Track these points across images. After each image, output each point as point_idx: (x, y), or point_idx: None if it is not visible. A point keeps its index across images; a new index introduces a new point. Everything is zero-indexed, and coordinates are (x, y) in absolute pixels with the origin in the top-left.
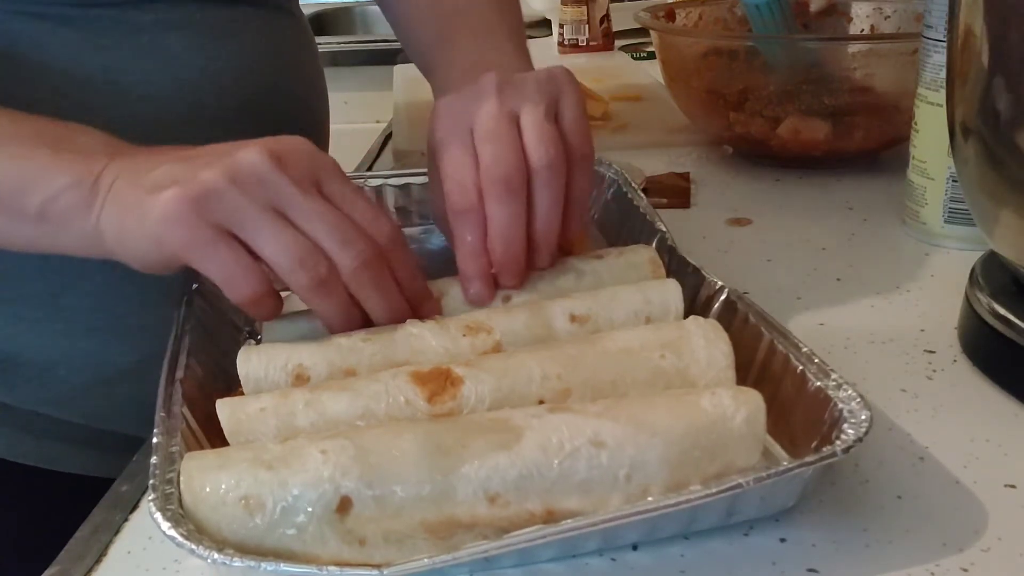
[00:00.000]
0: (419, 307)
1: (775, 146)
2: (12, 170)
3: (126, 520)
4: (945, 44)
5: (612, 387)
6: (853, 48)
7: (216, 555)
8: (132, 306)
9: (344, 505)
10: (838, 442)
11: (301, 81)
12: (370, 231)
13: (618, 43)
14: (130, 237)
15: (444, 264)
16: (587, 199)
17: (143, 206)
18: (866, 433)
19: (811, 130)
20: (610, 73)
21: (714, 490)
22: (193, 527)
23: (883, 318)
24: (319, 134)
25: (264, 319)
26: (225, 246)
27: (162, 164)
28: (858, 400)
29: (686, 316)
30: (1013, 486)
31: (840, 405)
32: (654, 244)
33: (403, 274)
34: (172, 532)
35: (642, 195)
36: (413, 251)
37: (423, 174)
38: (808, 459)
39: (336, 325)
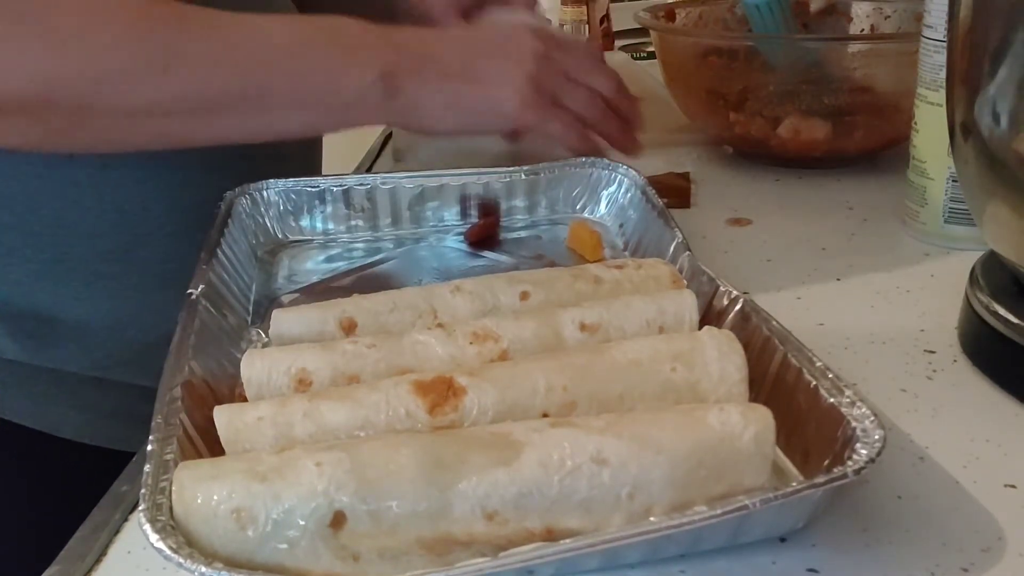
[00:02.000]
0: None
1: (775, 146)
2: (326, 69)
3: (126, 520)
4: (945, 44)
5: (619, 400)
6: (853, 48)
7: (204, 569)
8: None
9: (338, 520)
10: (850, 463)
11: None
12: (611, 85)
13: (618, 43)
14: (463, 110)
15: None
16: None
17: (486, 101)
18: (879, 453)
19: (811, 130)
20: None
21: (719, 511)
22: (183, 539)
23: (883, 318)
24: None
25: (575, 146)
26: (561, 110)
27: (446, 53)
28: (872, 419)
29: (700, 326)
30: (1013, 486)
31: (854, 423)
32: (671, 249)
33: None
34: (160, 544)
35: (659, 200)
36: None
37: (425, 175)
38: (817, 480)
39: (596, 141)
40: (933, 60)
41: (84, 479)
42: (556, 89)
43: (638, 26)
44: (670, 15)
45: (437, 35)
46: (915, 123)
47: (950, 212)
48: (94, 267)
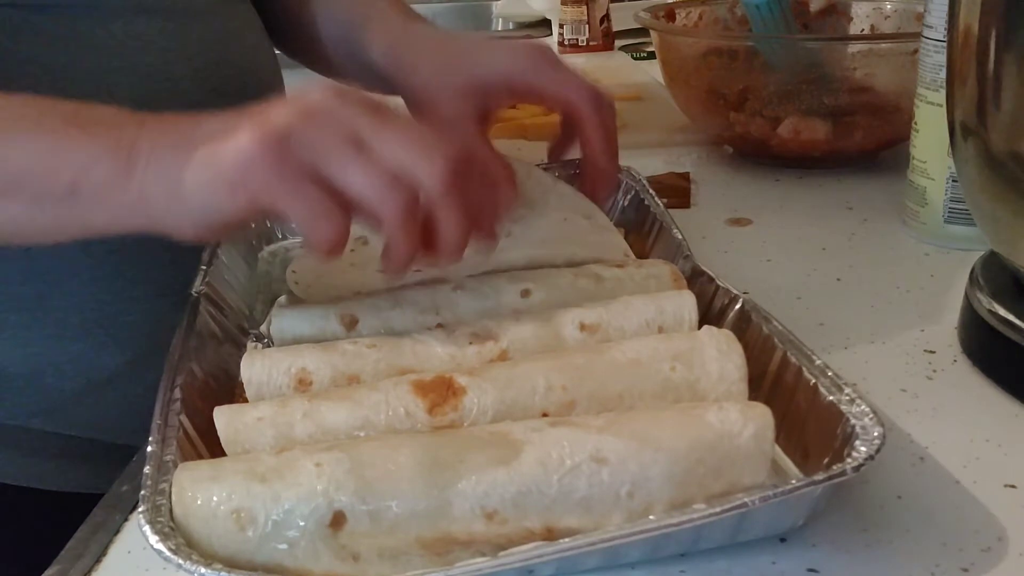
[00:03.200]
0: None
1: (775, 146)
2: (38, 150)
3: (126, 520)
4: (945, 44)
5: (619, 400)
6: (853, 48)
7: (203, 570)
8: (122, 303)
9: (338, 520)
10: (849, 459)
11: (266, 63)
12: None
13: (618, 43)
14: (192, 194)
15: None
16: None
17: (213, 157)
18: (878, 451)
19: (811, 130)
20: (610, 73)
21: (718, 509)
22: (183, 540)
23: (883, 318)
24: None
25: (322, 241)
26: (311, 184)
27: (203, 124)
28: (871, 416)
29: (700, 326)
30: (1013, 486)
31: (853, 421)
32: (671, 249)
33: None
34: (160, 546)
35: (659, 202)
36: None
37: None
38: (817, 478)
39: (403, 258)
40: (933, 60)
41: (12, 521)
42: (326, 154)
43: (638, 26)
44: (670, 15)
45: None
46: (915, 123)
47: (950, 212)
48: (3, 315)
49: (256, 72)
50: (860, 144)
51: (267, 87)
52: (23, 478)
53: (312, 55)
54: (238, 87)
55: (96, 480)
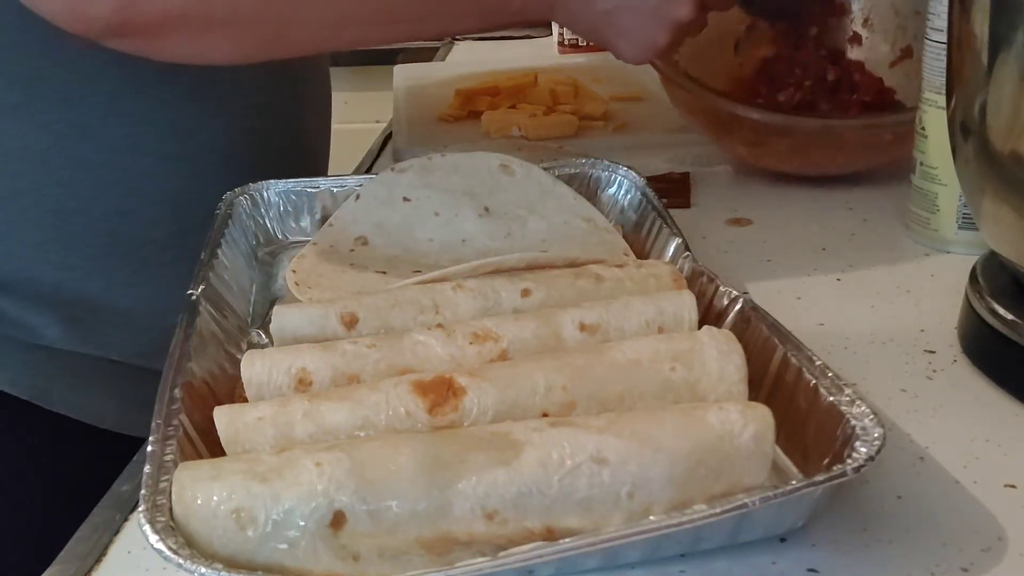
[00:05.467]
0: None
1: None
2: None
3: (126, 520)
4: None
5: (619, 400)
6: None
7: (204, 570)
8: None
9: (338, 520)
10: (849, 460)
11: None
12: None
13: None
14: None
15: None
16: None
17: None
18: (878, 451)
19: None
20: (610, 73)
21: (718, 510)
22: (183, 540)
23: (883, 318)
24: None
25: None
26: None
27: None
28: (871, 417)
29: (700, 326)
30: (1013, 486)
31: (853, 422)
32: (671, 249)
33: None
34: (160, 545)
35: (659, 202)
36: None
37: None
38: (817, 478)
39: None
40: (942, 64)
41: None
42: None
43: None
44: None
45: None
46: (922, 128)
47: (964, 217)
48: (147, 254)
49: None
50: (854, 159)
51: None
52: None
53: None
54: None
55: None
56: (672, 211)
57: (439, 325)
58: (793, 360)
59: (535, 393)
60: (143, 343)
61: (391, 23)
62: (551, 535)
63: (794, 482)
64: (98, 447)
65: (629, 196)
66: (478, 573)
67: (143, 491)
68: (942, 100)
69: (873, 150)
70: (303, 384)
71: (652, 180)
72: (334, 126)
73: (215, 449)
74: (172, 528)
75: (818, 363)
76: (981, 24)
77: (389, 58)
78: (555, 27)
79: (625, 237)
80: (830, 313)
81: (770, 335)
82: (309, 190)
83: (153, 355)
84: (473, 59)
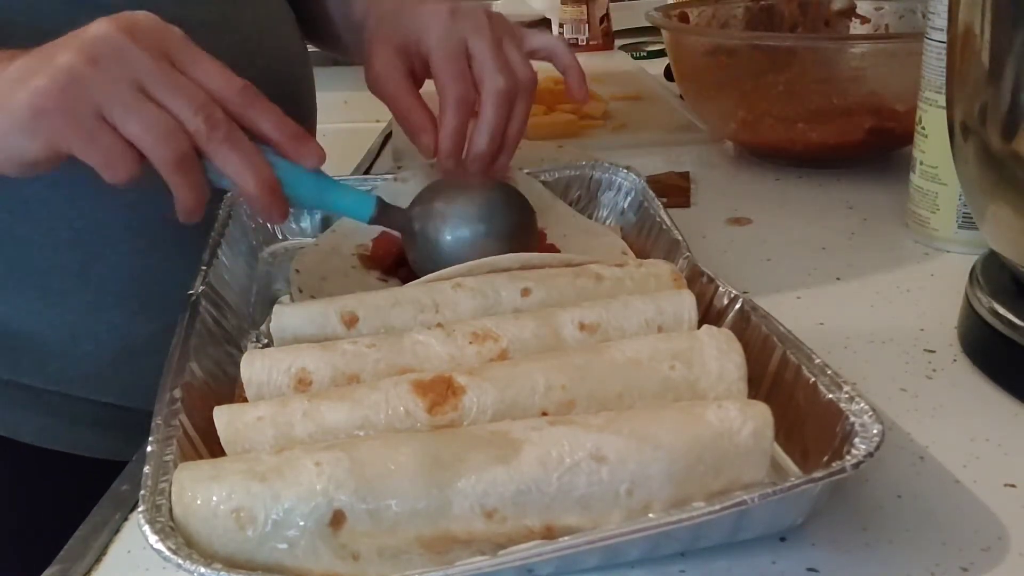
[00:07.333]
0: (298, 147)
1: (785, 146)
2: None
3: (126, 520)
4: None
5: (618, 399)
6: (859, 49)
7: (203, 570)
8: (158, 273)
9: (337, 519)
10: (848, 457)
11: (297, 55)
12: (223, 93)
13: (618, 43)
14: (4, 136)
15: None
16: (526, 122)
17: (11, 100)
18: (877, 448)
19: (820, 131)
20: (610, 73)
21: (718, 507)
22: (182, 540)
23: (883, 318)
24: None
25: (120, 182)
26: (102, 130)
27: (16, 59)
28: (870, 414)
29: (700, 326)
30: (1013, 486)
31: (852, 419)
32: (671, 249)
33: (268, 122)
34: (159, 545)
35: (659, 203)
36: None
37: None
38: (816, 475)
39: (193, 203)
40: (942, 64)
41: (46, 484)
42: (109, 99)
43: (638, 25)
44: (683, 16)
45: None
46: (922, 127)
47: (964, 217)
48: (47, 282)
49: (289, 64)
50: (870, 145)
51: (299, 79)
52: (62, 444)
53: (328, 38)
54: (270, 79)
55: (130, 448)
56: (672, 211)
57: (439, 325)
58: (792, 358)
59: (534, 392)
60: (54, 370)
61: None
62: (550, 533)
63: (793, 479)
64: (21, 462)
65: (629, 196)
66: (478, 572)
67: (143, 491)
68: (942, 100)
69: (858, 83)
70: (303, 384)
71: (652, 180)
72: (334, 126)
73: (215, 449)
74: (172, 528)
75: (817, 361)
76: (981, 24)
77: None
78: (555, 26)
79: (625, 237)
80: (830, 312)
81: (769, 334)
82: None
83: (67, 382)
84: None
